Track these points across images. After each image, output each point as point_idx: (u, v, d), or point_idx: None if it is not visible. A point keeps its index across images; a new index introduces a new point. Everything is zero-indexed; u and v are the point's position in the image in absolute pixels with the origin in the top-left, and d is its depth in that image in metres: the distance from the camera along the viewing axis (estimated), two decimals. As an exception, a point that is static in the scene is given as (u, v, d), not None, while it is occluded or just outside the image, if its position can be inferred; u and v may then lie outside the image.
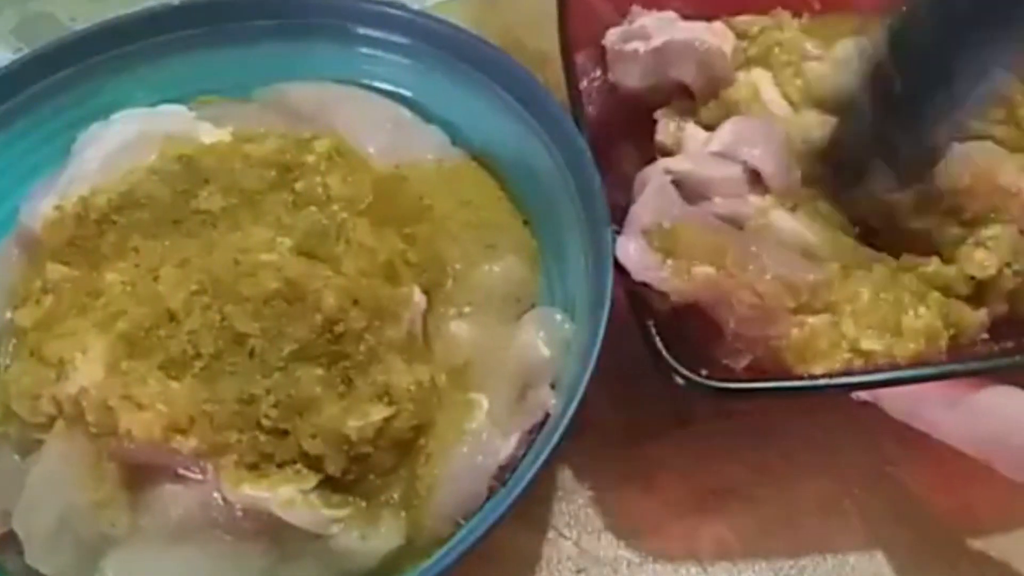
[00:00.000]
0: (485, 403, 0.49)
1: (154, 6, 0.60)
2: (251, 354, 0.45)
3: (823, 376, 0.50)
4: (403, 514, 0.47)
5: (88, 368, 0.45)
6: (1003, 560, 0.52)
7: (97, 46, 0.59)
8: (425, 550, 0.46)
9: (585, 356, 0.47)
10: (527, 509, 0.52)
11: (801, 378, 0.50)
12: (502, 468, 0.47)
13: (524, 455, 0.47)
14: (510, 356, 0.50)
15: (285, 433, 0.45)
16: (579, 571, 0.52)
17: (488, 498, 0.47)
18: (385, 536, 0.46)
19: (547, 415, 0.48)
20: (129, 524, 0.45)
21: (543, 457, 0.44)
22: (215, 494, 0.44)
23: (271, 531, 0.44)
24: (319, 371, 0.46)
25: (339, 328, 0.46)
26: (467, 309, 0.52)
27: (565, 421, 0.45)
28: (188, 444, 0.44)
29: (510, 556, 0.52)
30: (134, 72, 0.60)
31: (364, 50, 0.61)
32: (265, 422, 0.44)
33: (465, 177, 0.58)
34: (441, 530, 0.46)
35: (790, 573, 0.52)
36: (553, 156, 0.55)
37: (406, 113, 0.60)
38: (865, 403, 0.51)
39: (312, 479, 0.45)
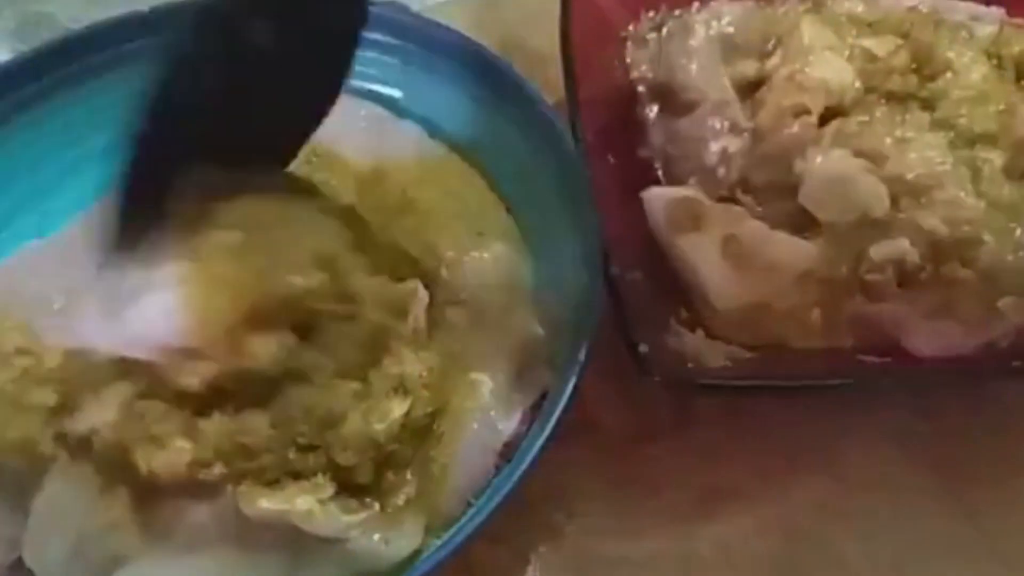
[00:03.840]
0: (488, 382, 0.48)
1: (138, 10, 0.59)
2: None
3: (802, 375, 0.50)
4: (420, 506, 0.46)
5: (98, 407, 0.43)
6: (1004, 561, 0.51)
7: (92, 46, 0.58)
8: (438, 531, 0.46)
9: (580, 331, 0.47)
10: (527, 509, 0.51)
11: (783, 376, 0.50)
12: (507, 445, 0.47)
13: (527, 432, 0.47)
14: (506, 337, 0.50)
15: (315, 448, 0.43)
16: (579, 570, 0.51)
17: (495, 476, 0.47)
18: (408, 537, 0.45)
19: (546, 392, 0.48)
20: (141, 542, 0.43)
21: (547, 431, 0.44)
22: (230, 508, 0.43)
23: (289, 540, 0.43)
24: (355, 384, 0.45)
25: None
26: (462, 296, 0.51)
27: (566, 394, 0.45)
28: (214, 472, 0.43)
29: (510, 556, 0.51)
30: (119, 76, 0.58)
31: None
32: (301, 440, 0.43)
33: (446, 169, 0.57)
34: (454, 509, 0.46)
35: (790, 573, 0.51)
36: (533, 142, 0.54)
37: (379, 110, 0.59)
38: (864, 403, 0.52)
39: (329, 488, 0.43)
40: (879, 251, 0.51)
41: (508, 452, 0.47)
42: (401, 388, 0.45)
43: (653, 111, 0.59)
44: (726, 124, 0.55)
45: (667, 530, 0.52)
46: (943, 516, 0.52)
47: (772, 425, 0.54)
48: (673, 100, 0.58)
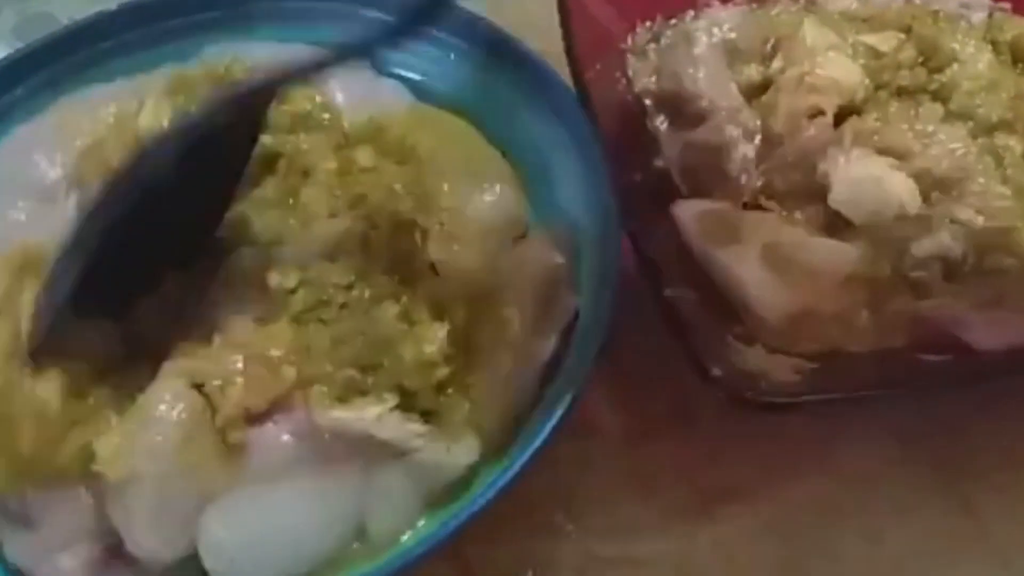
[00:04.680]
0: (517, 314, 0.50)
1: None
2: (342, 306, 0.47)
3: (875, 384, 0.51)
4: (473, 424, 0.48)
5: None
6: (1004, 561, 0.51)
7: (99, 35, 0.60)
8: (490, 454, 0.48)
9: (606, 258, 0.49)
10: (527, 509, 0.51)
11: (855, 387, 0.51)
12: (547, 367, 0.49)
13: (565, 357, 0.49)
14: (526, 270, 0.51)
15: (375, 369, 0.46)
16: (579, 570, 0.51)
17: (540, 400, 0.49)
18: (468, 447, 0.47)
19: (576, 315, 0.50)
20: (224, 476, 0.45)
21: (590, 355, 0.47)
22: (305, 426, 0.45)
23: (361, 453, 0.45)
24: (396, 308, 0.47)
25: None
26: (470, 238, 0.52)
27: (605, 316, 0.47)
28: (285, 377, 0.45)
29: (510, 554, 0.51)
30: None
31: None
32: (362, 361, 0.46)
33: (441, 118, 0.58)
34: (502, 437, 0.48)
35: (790, 573, 0.51)
36: (524, 91, 0.57)
37: (368, 70, 0.59)
38: (865, 402, 0.52)
39: (392, 400, 0.46)
40: (921, 247, 0.50)
41: (547, 373, 0.49)
42: (438, 311, 0.48)
43: (663, 123, 0.58)
44: (741, 131, 0.54)
45: (667, 530, 0.52)
46: (944, 516, 0.52)
47: (772, 424, 0.54)
48: (682, 110, 0.57)
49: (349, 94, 0.57)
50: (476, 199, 0.54)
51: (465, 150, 0.56)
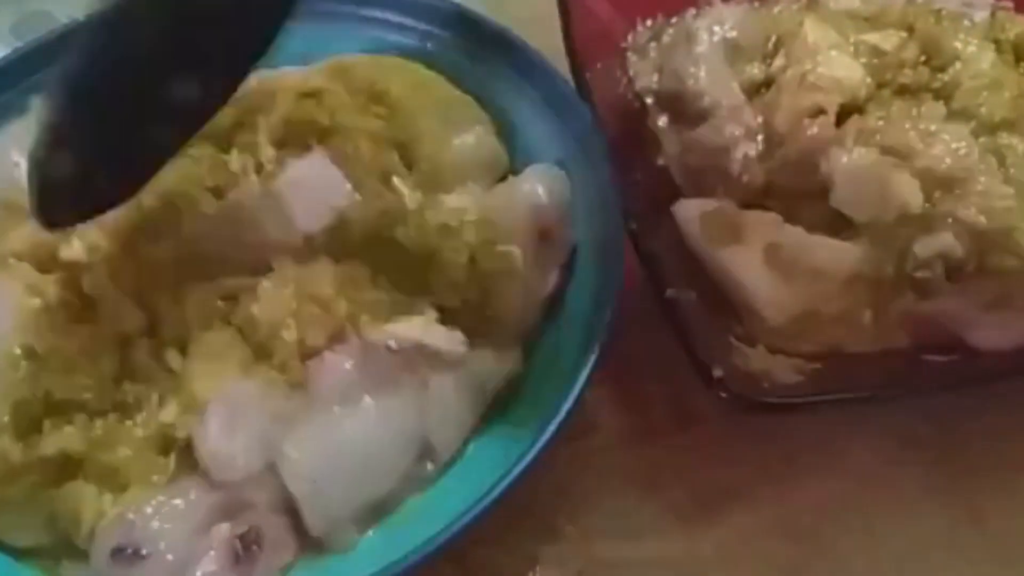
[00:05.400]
0: (516, 250, 0.51)
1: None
2: None
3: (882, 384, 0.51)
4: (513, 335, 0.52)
5: None
6: (1005, 562, 0.51)
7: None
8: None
9: (608, 259, 0.50)
10: (527, 511, 0.51)
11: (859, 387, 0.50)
12: (549, 299, 0.52)
13: (566, 289, 0.52)
14: (517, 207, 0.52)
15: (419, 292, 0.50)
16: (579, 571, 0.51)
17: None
18: (512, 355, 0.51)
19: (575, 248, 0.52)
20: (296, 406, 0.47)
21: (592, 356, 0.47)
22: (361, 350, 0.48)
23: (416, 366, 0.48)
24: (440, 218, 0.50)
25: None
26: (454, 182, 0.54)
27: (607, 316, 0.48)
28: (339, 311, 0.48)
29: (510, 559, 0.51)
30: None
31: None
32: (405, 283, 0.49)
33: (408, 66, 0.59)
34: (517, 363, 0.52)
35: (791, 574, 0.50)
36: (525, 89, 0.57)
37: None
38: (868, 403, 0.51)
39: (433, 315, 0.49)
40: (924, 247, 0.50)
41: (549, 306, 0.52)
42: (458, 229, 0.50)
43: (664, 121, 0.59)
44: (742, 130, 0.54)
45: (668, 532, 0.52)
46: (944, 516, 0.52)
47: (773, 425, 0.54)
48: (683, 109, 0.57)
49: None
50: (456, 142, 0.55)
51: (437, 95, 0.57)
